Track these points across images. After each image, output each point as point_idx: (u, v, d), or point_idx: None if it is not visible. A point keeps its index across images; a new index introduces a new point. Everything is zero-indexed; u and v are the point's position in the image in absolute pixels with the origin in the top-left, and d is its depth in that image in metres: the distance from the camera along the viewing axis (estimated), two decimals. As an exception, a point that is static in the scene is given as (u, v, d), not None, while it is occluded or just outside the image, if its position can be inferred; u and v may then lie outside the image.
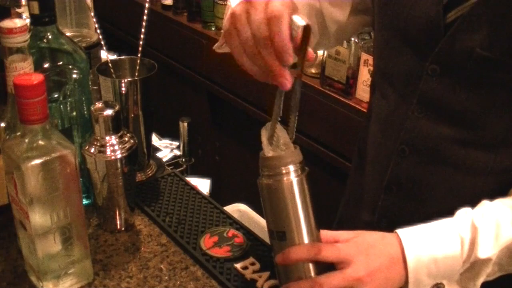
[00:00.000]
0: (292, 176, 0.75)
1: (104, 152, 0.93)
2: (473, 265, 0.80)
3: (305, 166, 0.77)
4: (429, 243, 0.79)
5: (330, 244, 0.77)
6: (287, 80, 0.70)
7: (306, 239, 0.76)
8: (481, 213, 0.81)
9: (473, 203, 0.83)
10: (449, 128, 0.86)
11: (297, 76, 0.72)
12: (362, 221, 1.03)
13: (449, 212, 0.83)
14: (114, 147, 0.93)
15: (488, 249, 0.78)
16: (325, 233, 0.79)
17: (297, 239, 0.76)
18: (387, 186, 0.96)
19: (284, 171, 0.75)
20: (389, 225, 0.93)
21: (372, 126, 1.02)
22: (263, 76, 0.73)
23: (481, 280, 0.81)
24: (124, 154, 0.94)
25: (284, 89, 0.71)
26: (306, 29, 0.68)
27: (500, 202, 0.82)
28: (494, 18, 0.78)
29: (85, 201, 0.98)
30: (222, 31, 0.80)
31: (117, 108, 0.93)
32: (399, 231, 0.80)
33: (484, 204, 0.83)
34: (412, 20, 0.86)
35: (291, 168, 0.75)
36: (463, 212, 0.82)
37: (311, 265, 0.77)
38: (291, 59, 0.69)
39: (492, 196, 0.84)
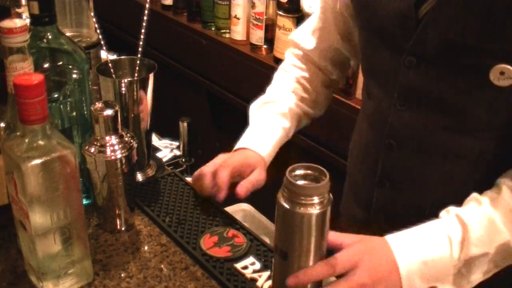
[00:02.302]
0: (314, 209, 0.71)
1: (104, 152, 0.93)
2: (466, 264, 0.80)
3: (331, 195, 0.73)
4: (418, 247, 0.79)
5: (340, 258, 0.77)
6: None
7: (306, 264, 0.75)
8: (471, 210, 0.81)
9: (465, 190, 0.84)
10: (431, 117, 0.88)
11: None
12: (357, 219, 1.04)
13: (443, 200, 0.84)
14: (114, 147, 0.93)
15: (481, 246, 0.79)
16: (330, 235, 0.79)
17: (298, 262, 0.75)
18: (379, 182, 0.97)
19: (309, 202, 0.71)
20: (386, 221, 0.93)
21: (360, 125, 1.05)
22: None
23: (475, 277, 0.81)
24: (124, 154, 0.94)
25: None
26: None
27: (489, 198, 0.82)
28: (463, 4, 0.79)
29: (85, 201, 0.98)
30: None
31: (117, 108, 0.93)
32: (388, 237, 0.80)
33: (473, 199, 0.83)
34: (386, 18, 0.89)
35: (316, 200, 0.71)
36: (446, 212, 0.82)
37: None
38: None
39: (483, 182, 0.85)
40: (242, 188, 1.01)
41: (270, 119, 1.11)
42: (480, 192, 0.84)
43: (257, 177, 1.03)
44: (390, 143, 0.93)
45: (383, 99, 0.94)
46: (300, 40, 1.15)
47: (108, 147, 0.93)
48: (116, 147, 0.93)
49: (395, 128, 0.92)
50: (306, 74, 1.15)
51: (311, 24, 1.14)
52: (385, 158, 0.95)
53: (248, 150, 1.06)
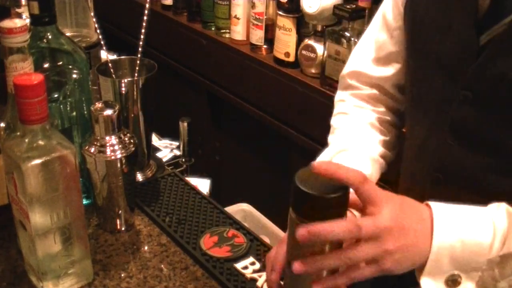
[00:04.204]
0: None
1: (104, 152, 0.93)
2: (502, 261, 0.74)
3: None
4: (460, 223, 0.73)
5: (366, 220, 0.69)
6: None
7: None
8: None
9: None
10: (483, 157, 0.82)
11: None
12: None
13: None
14: (114, 147, 0.93)
15: None
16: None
17: (310, 278, 0.71)
18: None
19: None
20: None
21: (406, 153, 0.99)
22: None
23: (503, 284, 0.75)
24: (124, 154, 0.94)
25: None
26: None
27: None
28: None
29: (85, 201, 0.98)
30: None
31: (117, 108, 0.93)
32: (432, 203, 0.75)
33: None
34: (444, 45, 0.83)
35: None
36: (496, 205, 0.76)
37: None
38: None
39: None
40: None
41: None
42: None
43: None
44: (438, 177, 0.88)
45: (432, 131, 0.88)
46: (365, 69, 1.02)
47: (108, 147, 0.93)
48: (116, 147, 0.93)
49: (444, 163, 0.87)
50: (376, 115, 1.03)
51: (369, 50, 1.01)
52: (431, 191, 0.89)
53: None
